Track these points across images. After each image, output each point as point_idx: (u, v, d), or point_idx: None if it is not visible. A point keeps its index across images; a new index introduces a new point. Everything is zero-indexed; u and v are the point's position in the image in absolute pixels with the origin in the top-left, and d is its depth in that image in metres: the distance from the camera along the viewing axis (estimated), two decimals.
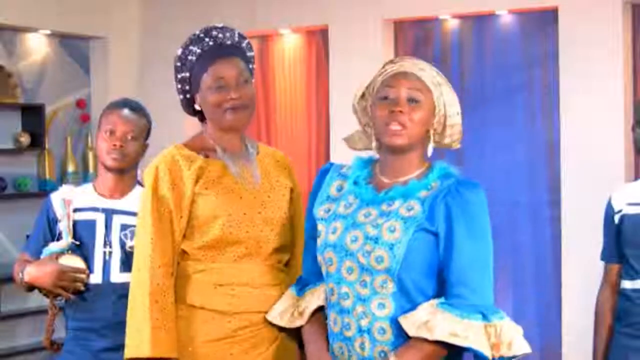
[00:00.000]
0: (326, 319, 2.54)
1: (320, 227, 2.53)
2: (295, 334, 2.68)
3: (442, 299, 2.38)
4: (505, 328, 2.35)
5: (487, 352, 2.32)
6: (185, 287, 2.71)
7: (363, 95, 2.58)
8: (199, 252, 2.71)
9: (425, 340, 2.34)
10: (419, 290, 2.41)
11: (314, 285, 2.58)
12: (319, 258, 2.52)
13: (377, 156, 2.59)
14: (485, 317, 2.34)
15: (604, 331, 3.26)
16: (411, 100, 2.46)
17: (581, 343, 4.48)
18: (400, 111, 2.44)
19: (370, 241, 2.41)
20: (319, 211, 2.56)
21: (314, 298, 2.56)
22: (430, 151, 2.52)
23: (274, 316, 2.64)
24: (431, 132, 2.51)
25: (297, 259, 2.79)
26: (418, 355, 2.35)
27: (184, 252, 2.73)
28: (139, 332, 2.63)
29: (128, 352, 2.66)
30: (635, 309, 3.13)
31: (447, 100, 2.53)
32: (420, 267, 2.40)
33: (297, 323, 2.58)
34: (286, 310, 2.62)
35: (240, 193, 2.73)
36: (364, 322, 2.42)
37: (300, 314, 2.58)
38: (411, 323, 2.35)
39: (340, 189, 2.57)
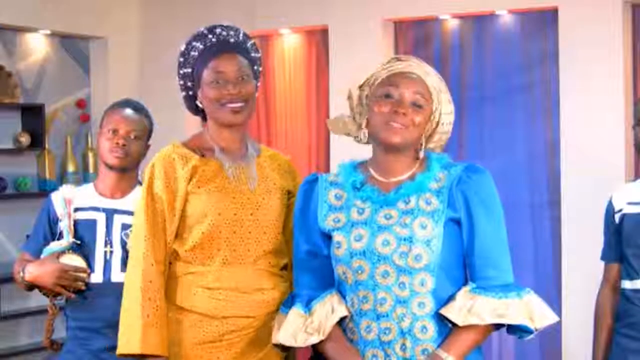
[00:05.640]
0: (343, 330, 2.51)
1: (339, 237, 2.48)
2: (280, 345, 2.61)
3: (474, 284, 2.44)
4: (534, 301, 2.44)
5: (532, 326, 2.41)
6: (175, 289, 2.72)
7: (361, 85, 2.58)
8: (189, 254, 2.72)
9: (469, 326, 2.39)
10: (454, 281, 2.46)
11: (320, 298, 2.52)
12: (342, 269, 2.48)
13: (359, 159, 2.60)
14: (518, 294, 2.43)
15: (604, 331, 3.25)
16: (414, 105, 2.47)
17: (581, 343, 4.48)
18: (404, 113, 2.45)
19: (404, 242, 2.41)
20: (328, 222, 2.52)
21: (326, 311, 2.49)
22: (421, 155, 2.53)
23: (287, 339, 2.52)
24: (423, 137, 2.53)
25: None
26: (467, 343, 2.42)
27: (176, 253, 2.73)
28: (130, 328, 2.66)
29: (119, 349, 2.69)
30: (635, 309, 3.12)
31: (444, 110, 2.54)
32: (453, 257, 2.46)
33: (313, 340, 2.49)
34: (298, 329, 2.51)
35: (232, 193, 2.72)
36: (405, 324, 2.42)
37: (316, 330, 2.48)
38: (457, 313, 2.39)
39: (339, 197, 2.54)
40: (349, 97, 2.61)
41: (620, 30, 5.15)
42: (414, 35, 5.93)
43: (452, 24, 5.82)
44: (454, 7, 5.67)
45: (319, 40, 6.26)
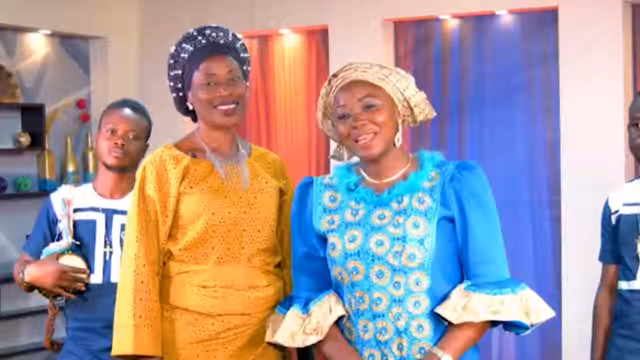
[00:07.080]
0: (341, 330, 2.52)
1: (333, 238, 2.50)
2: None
3: (469, 282, 2.44)
4: (530, 297, 2.44)
5: (527, 322, 2.41)
6: (170, 288, 2.72)
7: (325, 115, 2.59)
8: (183, 253, 2.72)
9: (465, 324, 2.39)
10: (449, 279, 2.46)
11: (318, 299, 2.53)
12: (338, 270, 2.49)
13: (354, 161, 2.60)
14: (513, 290, 2.42)
15: (602, 332, 3.25)
16: (367, 107, 2.46)
17: (581, 343, 4.48)
18: (362, 124, 2.45)
19: (398, 241, 2.42)
20: (322, 223, 2.53)
21: (324, 312, 2.50)
22: (400, 140, 2.51)
23: (285, 339, 2.53)
24: (399, 121, 2.51)
25: (289, 259, 2.76)
26: (463, 341, 2.41)
27: (169, 252, 2.74)
28: (123, 329, 2.67)
29: (113, 350, 2.70)
30: (631, 310, 3.11)
31: (401, 86, 2.51)
32: (448, 255, 2.45)
33: (311, 340, 2.49)
34: (297, 330, 2.52)
35: (225, 192, 2.72)
36: (400, 323, 2.43)
37: (314, 330, 2.49)
38: (451, 311, 2.39)
39: (334, 199, 2.55)
40: (326, 134, 2.66)
41: (620, 30, 5.15)
42: (414, 35, 5.93)
43: (452, 24, 5.82)
44: (454, 7, 5.67)
45: (319, 40, 6.26)
